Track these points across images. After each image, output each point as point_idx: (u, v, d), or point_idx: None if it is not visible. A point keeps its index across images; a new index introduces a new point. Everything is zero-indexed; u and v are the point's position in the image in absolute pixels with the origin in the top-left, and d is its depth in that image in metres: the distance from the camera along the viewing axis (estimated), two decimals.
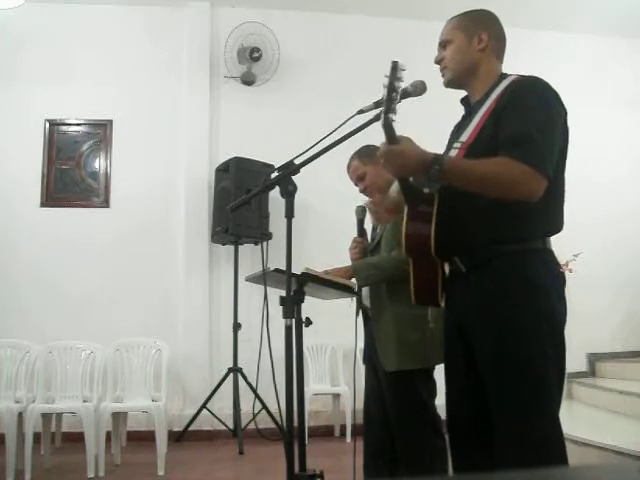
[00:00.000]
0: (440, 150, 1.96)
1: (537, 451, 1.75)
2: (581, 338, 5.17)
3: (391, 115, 1.78)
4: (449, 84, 2.08)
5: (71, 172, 5.68)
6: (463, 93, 2.12)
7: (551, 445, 1.79)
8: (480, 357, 1.89)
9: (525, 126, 1.79)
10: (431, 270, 1.98)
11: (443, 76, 2.08)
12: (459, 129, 2.06)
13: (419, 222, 1.92)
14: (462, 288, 1.94)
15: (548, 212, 1.88)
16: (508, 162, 1.77)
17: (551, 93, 1.89)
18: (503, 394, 1.83)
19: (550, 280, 1.88)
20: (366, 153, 2.78)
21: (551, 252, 1.92)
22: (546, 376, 1.82)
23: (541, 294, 1.84)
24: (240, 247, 5.34)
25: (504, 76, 2.00)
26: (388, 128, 1.79)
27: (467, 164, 1.87)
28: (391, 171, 1.88)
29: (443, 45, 2.07)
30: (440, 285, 1.99)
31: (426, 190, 1.95)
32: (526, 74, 1.98)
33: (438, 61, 2.08)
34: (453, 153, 1.98)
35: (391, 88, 1.76)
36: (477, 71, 2.02)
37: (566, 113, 1.91)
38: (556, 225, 1.93)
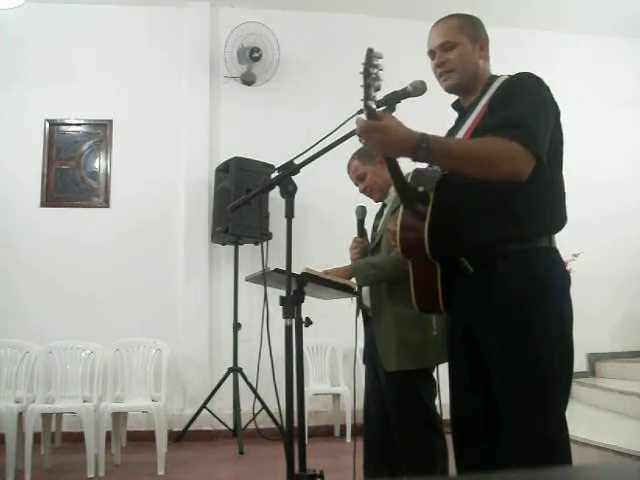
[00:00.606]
0: None
1: (542, 452, 1.74)
2: (581, 338, 5.11)
3: (370, 103, 1.74)
4: (453, 89, 2.02)
5: (71, 172, 5.68)
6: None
7: (557, 446, 1.77)
8: (488, 357, 1.87)
9: (517, 111, 1.78)
10: (429, 273, 1.94)
11: (446, 80, 1.99)
12: (452, 132, 2.04)
13: (414, 222, 1.90)
14: (468, 289, 1.91)
15: (548, 209, 1.88)
16: (497, 139, 1.74)
17: (543, 86, 1.88)
18: (511, 394, 1.81)
19: (558, 279, 1.87)
20: (366, 153, 2.76)
21: (557, 251, 1.90)
22: (554, 376, 1.80)
23: (549, 294, 1.82)
24: (240, 247, 5.34)
25: (494, 77, 2.00)
26: (370, 110, 1.75)
27: (453, 141, 1.85)
28: (373, 148, 1.81)
29: (447, 47, 1.97)
30: (440, 290, 1.94)
31: (420, 189, 1.93)
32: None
33: (441, 63, 1.98)
34: None
35: (366, 74, 1.76)
36: (477, 77, 2.00)
37: (558, 111, 1.89)
38: (559, 222, 1.91)
